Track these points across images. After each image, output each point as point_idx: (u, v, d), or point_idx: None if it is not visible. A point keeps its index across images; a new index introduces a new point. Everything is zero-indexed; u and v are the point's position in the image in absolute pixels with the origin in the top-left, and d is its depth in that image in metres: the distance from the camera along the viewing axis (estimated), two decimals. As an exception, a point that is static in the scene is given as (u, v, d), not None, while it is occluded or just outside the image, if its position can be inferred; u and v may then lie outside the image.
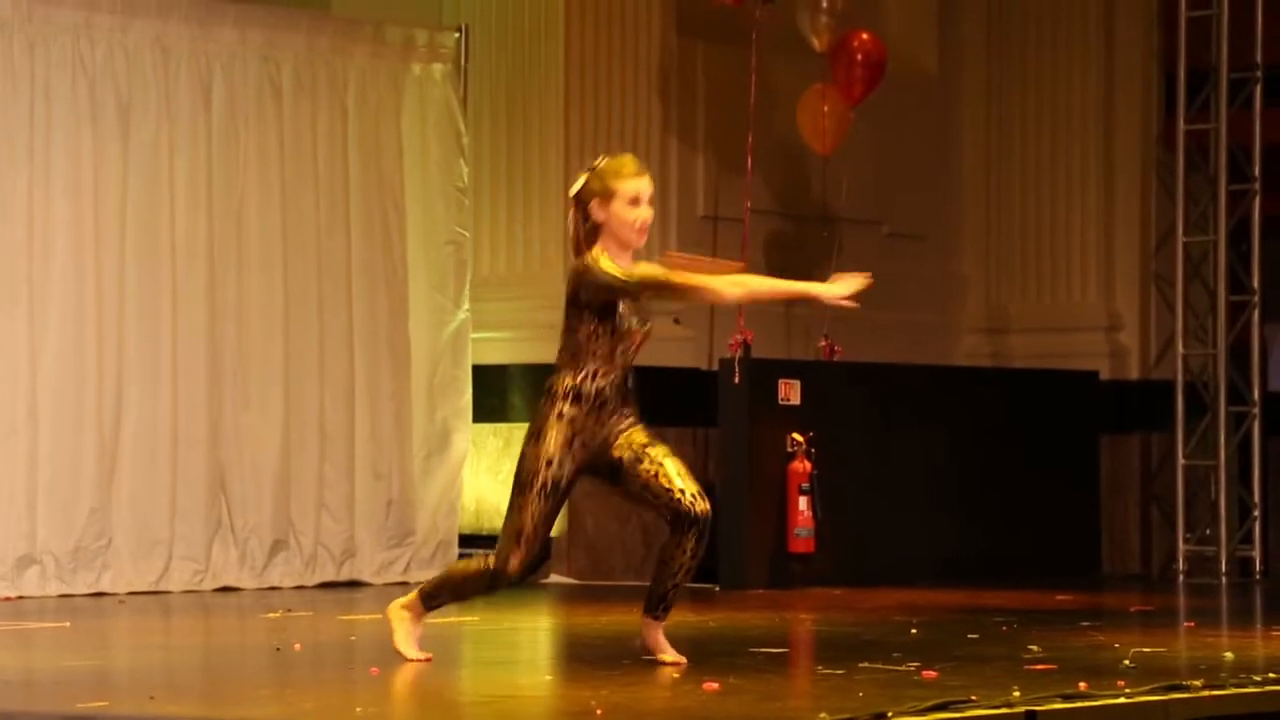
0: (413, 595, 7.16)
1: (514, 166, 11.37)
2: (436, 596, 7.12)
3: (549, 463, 6.89)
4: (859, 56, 11.43)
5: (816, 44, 11.43)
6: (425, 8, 11.54)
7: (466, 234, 11.19)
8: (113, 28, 10.22)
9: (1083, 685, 6.32)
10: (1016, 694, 6.10)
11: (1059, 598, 10.14)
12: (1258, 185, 12.24)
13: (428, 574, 10.93)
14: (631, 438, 7.00)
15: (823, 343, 11.46)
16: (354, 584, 10.72)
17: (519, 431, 11.39)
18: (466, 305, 11.17)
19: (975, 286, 13.01)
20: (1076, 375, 12.37)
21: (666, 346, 11.54)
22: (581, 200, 6.85)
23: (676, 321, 11.65)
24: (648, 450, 6.99)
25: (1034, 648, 7.51)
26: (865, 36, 11.51)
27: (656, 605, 7.09)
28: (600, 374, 6.91)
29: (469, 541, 11.17)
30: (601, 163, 6.89)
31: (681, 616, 9.17)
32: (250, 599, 10.05)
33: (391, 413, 10.90)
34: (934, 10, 12.99)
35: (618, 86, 11.39)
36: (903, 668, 6.85)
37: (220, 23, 10.53)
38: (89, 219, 10.13)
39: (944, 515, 11.57)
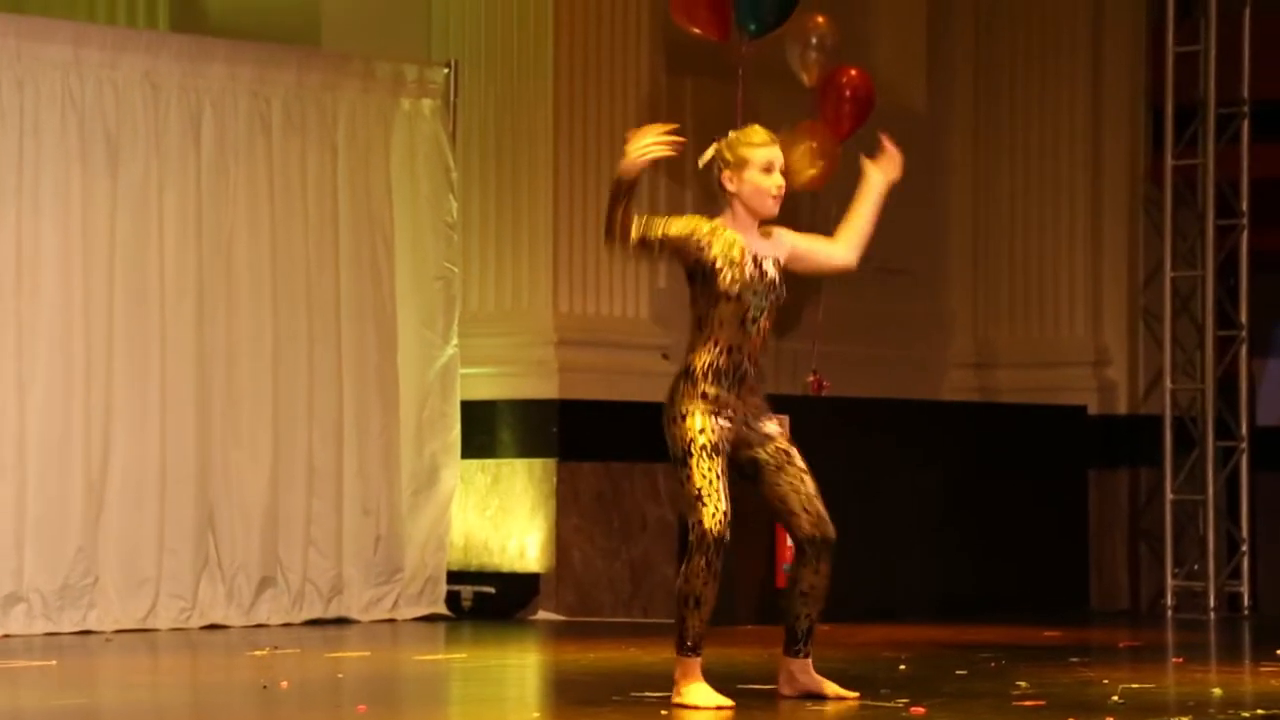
0: (680, 663, 6.84)
1: (503, 202, 11.38)
2: (687, 633, 6.86)
3: (701, 430, 6.85)
4: (847, 92, 11.46)
5: (805, 79, 11.46)
6: (415, 43, 11.56)
7: (455, 270, 11.20)
8: (102, 64, 10.23)
9: (1071, 722, 6.33)
10: (1005, 731, 6.10)
11: (1047, 633, 10.14)
12: (1245, 220, 12.28)
13: (415, 610, 10.96)
14: (777, 440, 6.96)
15: (811, 378, 11.47)
16: (342, 621, 10.70)
17: (507, 467, 11.52)
18: (455, 341, 11.17)
19: (962, 321, 13.02)
20: (1064, 410, 12.38)
21: (655, 382, 11.51)
22: (713, 173, 6.86)
23: (665, 357, 11.65)
24: (794, 460, 6.95)
25: (1022, 684, 7.50)
26: (854, 73, 11.53)
27: (803, 639, 7.00)
28: (733, 349, 6.82)
29: (457, 578, 11.16)
30: (729, 135, 6.89)
31: (668, 652, 9.16)
32: (237, 636, 10.04)
33: (380, 449, 10.90)
34: (922, 46, 13.03)
35: (606, 122, 11.41)
36: (891, 704, 6.84)
37: (210, 59, 10.54)
38: (77, 256, 10.13)
39: (932, 551, 11.57)
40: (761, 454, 6.98)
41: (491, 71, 11.39)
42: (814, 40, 11.36)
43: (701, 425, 6.88)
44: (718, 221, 6.97)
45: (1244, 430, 12.28)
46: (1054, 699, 7.03)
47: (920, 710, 6.66)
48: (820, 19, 11.42)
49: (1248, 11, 12.20)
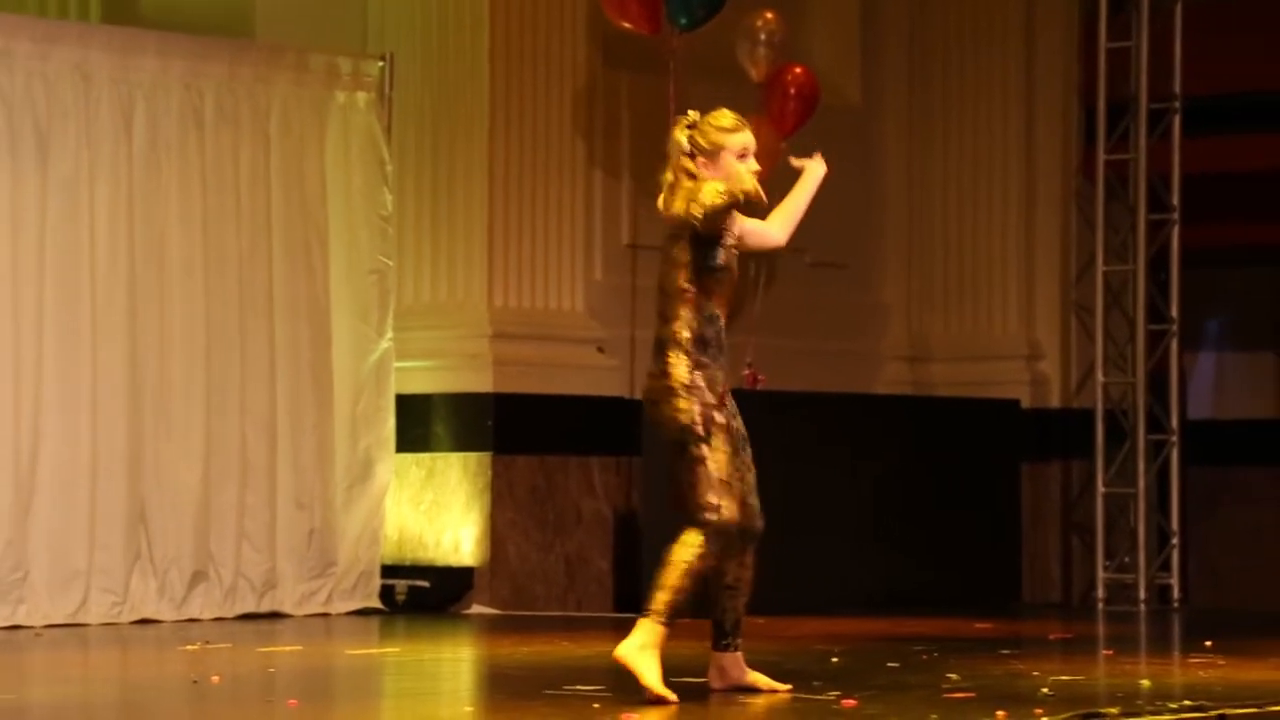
0: (647, 625, 6.67)
1: (438, 195, 11.36)
2: (674, 607, 6.71)
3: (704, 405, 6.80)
4: (792, 90, 11.47)
5: (754, 74, 11.46)
6: (349, 36, 11.52)
7: (390, 263, 11.17)
8: (32, 55, 10.16)
9: (1000, 714, 6.36)
10: (934, 723, 6.13)
11: (979, 626, 10.18)
12: (1177, 215, 12.35)
13: (349, 605, 10.94)
14: (739, 421, 6.97)
15: (746, 372, 11.48)
16: (275, 615, 10.66)
17: (442, 461, 11.50)
18: (390, 334, 11.14)
19: (897, 315, 13.06)
20: (997, 403, 12.44)
21: (590, 375, 11.56)
22: (690, 155, 6.85)
23: (600, 350, 11.66)
24: (748, 448, 6.98)
25: (953, 676, 7.54)
26: (799, 70, 11.54)
27: (731, 632, 6.96)
28: (719, 319, 6.91)
29: (391, 572, 11.14)
30: (696, 118, 6.89)
31: (602, 646, 9.17)
32: (169, 631, 9.99)
33: (314, 442, 10.86)
34: (856, 42, 13.06)
35: (542, 115, 11.40)
36: (823, 697, 6.87)
37: (142, 51, 10.48)
38: (7, 248, 10.06)
39: (866, 543, 11.61)
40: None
41: (427, 64, 11.37)
42: (762, 36, 11.37)
43: (707, 400, 6.83)
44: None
45: (1175, 424, 12.36)
46: (984, 691, 7.06)
47: (852, 702, 6.69)
48: (769, 15, 11.42)
49: (1179, 7, 12.27)
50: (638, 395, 11.32)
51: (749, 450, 7.02)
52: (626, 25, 11.07)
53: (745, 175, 6.91)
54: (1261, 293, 14.29)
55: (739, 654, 7.05)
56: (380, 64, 11.24)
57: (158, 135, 10.50)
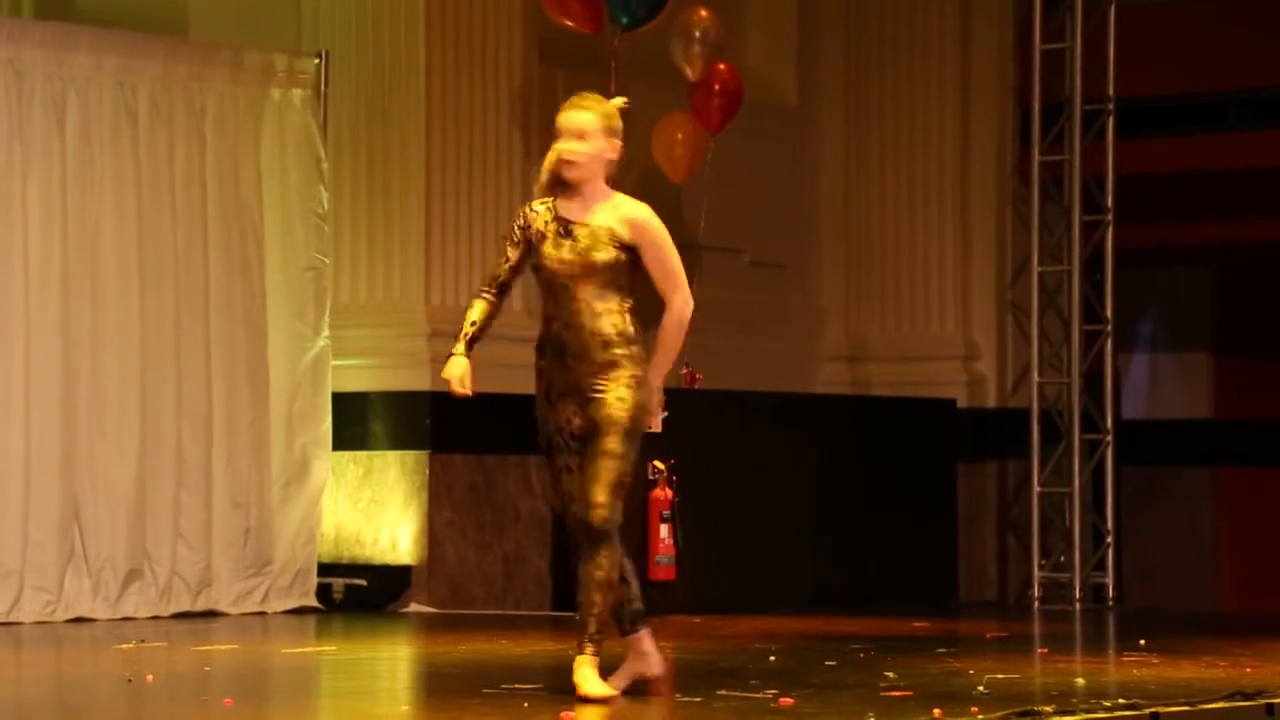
0: (588, 652, 6.76)
1: (374, 193, 11.32)
2: (603, 626, 6.82)
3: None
4: (716, 86, 11.50)
5: (690, 73, 11.48)
6: (284, 33, 11.47)
7: (326, 261, 11.12)
8: (-36, 51, 10.09)
9: (937, 711, 6.38)
10: (872, 720, 6.15)
11: (916, 625, 10.21)
12: (1111, 216, 12.42)
13: (285, 603, 10.88)
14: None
15: (684, 370, 11.49)
16: (210, 614, 10.60)
17: (379, 459, 11.45)
18: (326, 332, 11.10)
19: (834, 315, 13.09)
20: (934, 403, 12.48)
21: (526, 374, 11.43)
22: (610, 135, 6.96)
23: (537, 349, 11.62)
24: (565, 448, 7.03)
25: (890, 674, 7.56)
26: (722, 67, 11.57)
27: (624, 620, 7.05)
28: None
29: (328, 570, 11.10)
30: (619, 102, 7.04)
31: (540, 645, 9.17)
32: (104, 630, 9.93)
33: (250, 441, 10.81)
34: (793, 42, 13.08)
35: (479, 113, 11.38)
36: (760, 695, 6.88)
37: (75, 47, 10.41)
38: (-60, 244, 9.99)
39: (803, 542, 11.63)
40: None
41: (362, 62, 11.33)
42: (698, 34, 11.38)
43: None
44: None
45: (1109, 423, 12.42)
46: (921, 689, 7.09)
47: (789, 701, 6.70)
48: (704, 13, 11.44)
49: (1113, 10, 12.34)
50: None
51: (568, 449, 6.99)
52: (568, 24, 11.07)
53: (550, 155, 7.01)
54: (1194, 293, 14.38)
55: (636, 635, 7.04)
56: (316, 61, 11.20)
57: (90, 132, 10.43)
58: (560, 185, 7.01)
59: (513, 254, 6.97)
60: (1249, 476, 14.22)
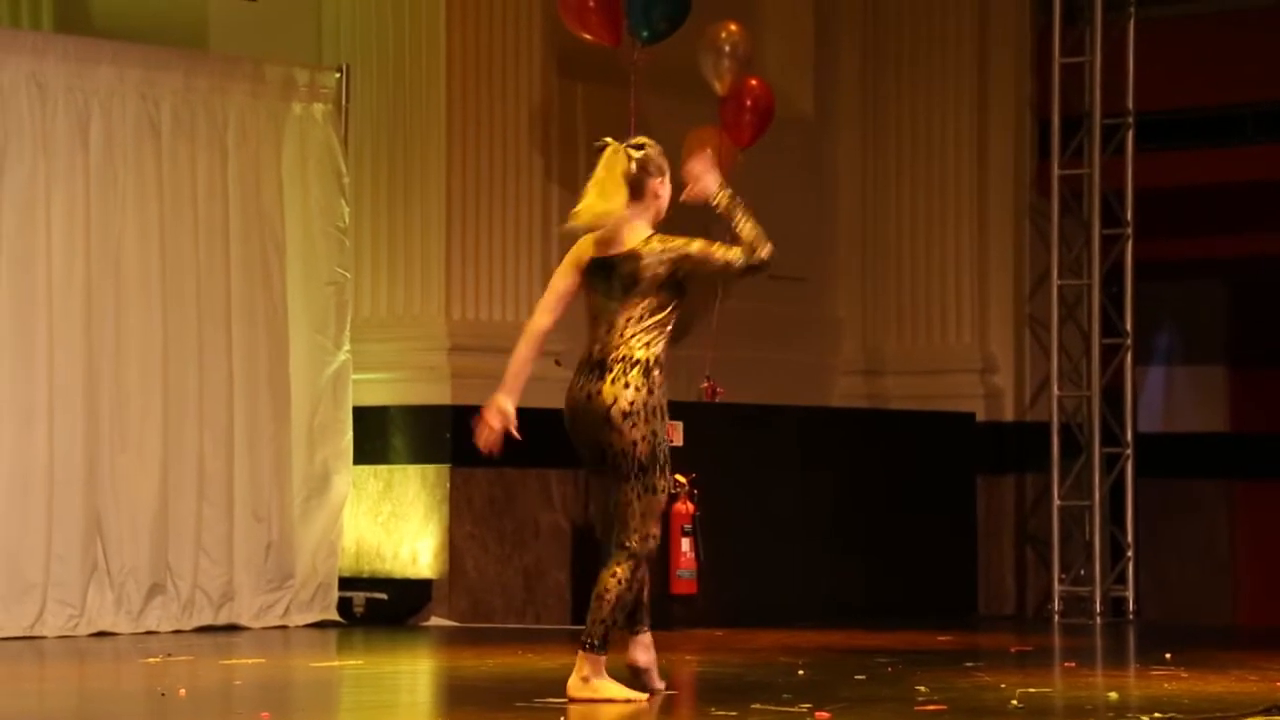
0: (583, 659, 7.09)
1: (395, 207, 11.33)
2: (606, 634, 7.12)
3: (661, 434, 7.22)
4: (748, 102, 11.50)
5: (719, 87, 11.48)
6: (305, 47, 11.48)
7: (347, 275, 11.13)
8: (-14, 65, 10.10)
9: (975, 726, 6.37)
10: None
11: (939, 638, 10.21)
12: (1130, 229, 12.42)
13: (306, 617, 10.88)
14: None
15: (705, 384, 11.49)
16: (232, 628, 10.61)
17: (399, 473, 11.45)
18: (347, 346, 11.11)
19: (851, 328, 13.09)
20: (952, 417, 12.48)
21: (546, 388, 11.51)
22: (638, 174, 7.24)
23: (558, 364, 11.63)
24: None
25: (922, 688, 7.55)
26: (754, 83, 11.57)
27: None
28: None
29: (349, 584, 11.09)
30: (644, 142, 7.34)
31: (565, 658, 9.15)
32: (126, 644, 9.93)
33: (271, 454, 10.81)
34: (810, 55, 13.09)
35: (499, 127, 11.39)
36: (795, 709, 6.87)
37: (97, 60, 10.42)
38: (-38, 259, 10.00)
39: (823, 556, 11.63)
40: None
41: (383, 76, 11.34)
42: (727, 49, 11.38)
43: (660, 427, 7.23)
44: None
45: (1129, 437, 12.42)
46: (954, 703, 7.08)
47: (825, 715, 6.69)
48: (733, 27, 11.44)
49: (1132, 23, 12.34)
50: (595, 408, 11.35)
51: None
52: (587, 37, 11.07)
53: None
54: (1210, 306, 14.39)
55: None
56: (337, 75, 11.21)
57: (114, 145, 10.45)
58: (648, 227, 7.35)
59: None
60: (1265, 490, 14.23)
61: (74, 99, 10.34)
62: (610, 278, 7.22)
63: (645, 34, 11.12)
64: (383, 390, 11.24)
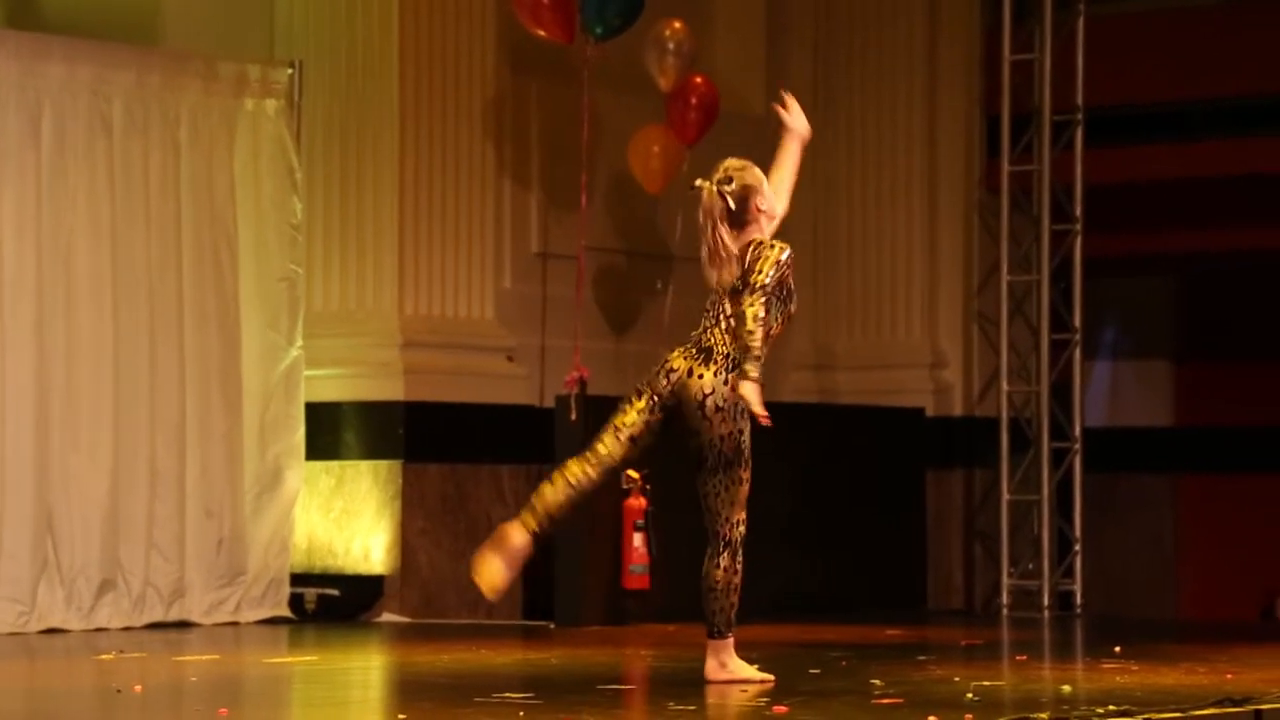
0: (711, 646, 7.52)
1: (348, 203, 11.32)
2: (729, 618, 7.57)
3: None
4: (693, 100, 11.54)
5: (662, 84, 11.52)
6: (256, 43, 11.46)
7: (300, 270, 11.12)
8: (-63, 61, 10.06)
9: (932, 719, 6.42)
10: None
11: (889, 632, 10.27)
12: (1080, 225, 12.51)
13: (258, 613, 10.87)
14: None
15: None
16: (183, 624, 10.59)
17: (351, 469, 11.45)
18: (299, 342, 11.10)
19: (802, 324, 13.13)
20: (902, 412, 12.54)
21: (498, 384, 11.56)
22: (737, 200, 7.53)
23: (510, 359, 11.66)
24: None
25: (877, 682, 7.60)
26: (699, 80, 11.62)
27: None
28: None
29: (300, 580, 11.10)
30: (734, 165, 7.64)
31: (521, 654, 9.20)
32: (77, 641, 9.90)
33: (223, 450, 10.80)
34: (761, 52, 13.14)
35: (452, 123, 11.40)
36: (753, 703, 6.91)
37: (48, 57, 10.38)
38: (-87, 255, 9.95)
39: (773, 551, 11.63)
40: None
41: (335, 72, 11.34)
42: (671, 45, 11.43)
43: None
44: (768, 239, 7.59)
45: (1077, 431, 12.50)
46: (910, 697, 7.13)
47: (783, 709, 6.73)
48: (677, 24, 11.49)
49: (1081, 20, 12.43)
50: (545, 404, 11.39)
51: None
52: (541, 34, 11.09)
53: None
54: (1155, 301, 14.49)
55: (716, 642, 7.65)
56: (289, 71, 11.20)
57: (65, 142, 10.41)
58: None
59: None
60: (1209, 484, 14.34)
61: (25, 96, 10.30)
62: (725, 296, 7.57)
63: (599, 31, 11.15)
64: (335, 386, 11.24)
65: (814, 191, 13.12)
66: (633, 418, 7.53)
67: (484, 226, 11.51)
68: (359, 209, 11.29)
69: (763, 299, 7.37)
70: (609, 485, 10.80)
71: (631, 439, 7.53)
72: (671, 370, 7.53)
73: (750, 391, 7.31)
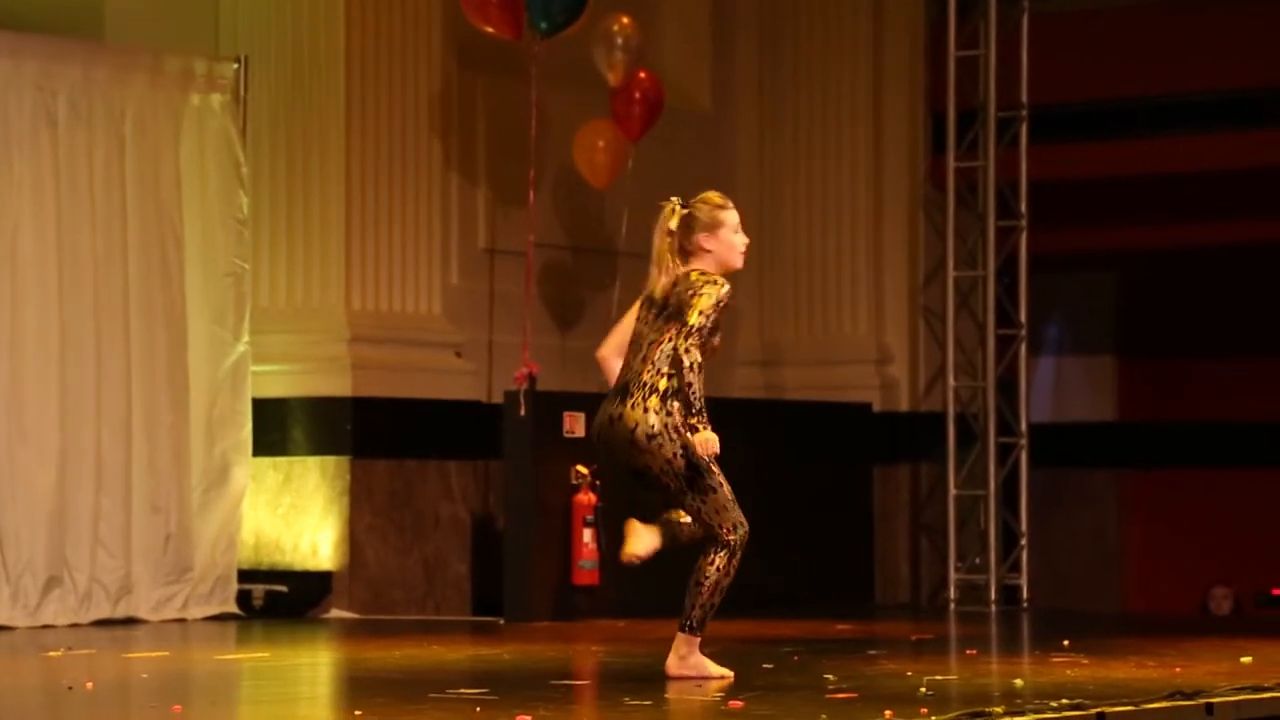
0: (681, 639, 7.50)
1: (294, 198, 11.28)
2: (704, 617, 7.55)
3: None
4: (637, 94, 11.56)
5: (611, 79, 11.53)
6: (201, 37, 11.41)
7: (246, 266, 11.08)
8: (-119, 54, 9.97)
9: (888, 713, 6.44)
10: (827, 723, 6.20)
11: (839, 627, 10.29)
12: (1025, 221, 12.56)
13: (205, 610, 10.82)
14: None
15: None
16: (130, 621, 10.54)
17: (299, 465, 11.41)
18: (246, 338, 11.05)
19: (749, 319, 13.16)
20: (849, 407, 12.57)
21: (447, 379, 11.54)
22: (680, 233, 7.51)
23: (458, 354, 11.64)
24: None
25: (830, 676, 7.62)
26: (643, 75, 11.63)
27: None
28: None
29: (248, 577, 11.06)
30: (684, 200, 7.56)
31: (471, 650, 9.18)
32: (23, 638, 9.84)
33: (170, 446, 10.75)
34: (707, 47, 13.15)
35: (398, 118, 11.37)
36: (707, 698, 6.91)
37: (-8, 51, 10.33)
38: None
39: (721, 546, 11.66)
40: None
41: (282, 67, 11.30)
42: (619, 41, 11.43)
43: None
44: (709, 276, 7.54)
45: (1023, 426, 12.56)
46: (864, 691, 7.15)
47: (738, 704, 6.74)
48: (625, 20, 11.49)
49: (1026, 17, 12.48)
50: (494, 399, 11.38)
51: None
52: (489, 30, 11.08)
53: (737, 241, 7.60)
54: (1098, 297, 14.56)
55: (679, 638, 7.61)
56: (235, 66, 11.15)
57: (10, 136, 10.35)
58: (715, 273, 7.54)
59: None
60: (1152, 479, 14.43)
61: (-32, 89, 10.24)
62: (652, 307, 7.54)
63: (543, 26, 11.14)
64: (282, 382, 11.20)
65: (760, 187, 13.15)
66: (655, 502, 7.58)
67: (431, 222, 11.49)
68: (305, 204, 11.26)
69: (698, 343, 7.32)
70: (562, 482, 10.90)
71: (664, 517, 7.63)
72: (596, 442, 7.53)
73: (704, 445, 7.33)
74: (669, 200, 7.62)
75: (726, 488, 7.55)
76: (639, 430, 7.37)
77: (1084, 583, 14.18)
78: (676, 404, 7.39)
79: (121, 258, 10.66)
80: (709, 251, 7.54)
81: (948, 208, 12.59)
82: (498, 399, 11.17)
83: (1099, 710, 6.56)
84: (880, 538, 12.66)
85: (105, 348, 10.57)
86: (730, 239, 7.56)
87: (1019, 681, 7.50)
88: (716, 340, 7.55)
